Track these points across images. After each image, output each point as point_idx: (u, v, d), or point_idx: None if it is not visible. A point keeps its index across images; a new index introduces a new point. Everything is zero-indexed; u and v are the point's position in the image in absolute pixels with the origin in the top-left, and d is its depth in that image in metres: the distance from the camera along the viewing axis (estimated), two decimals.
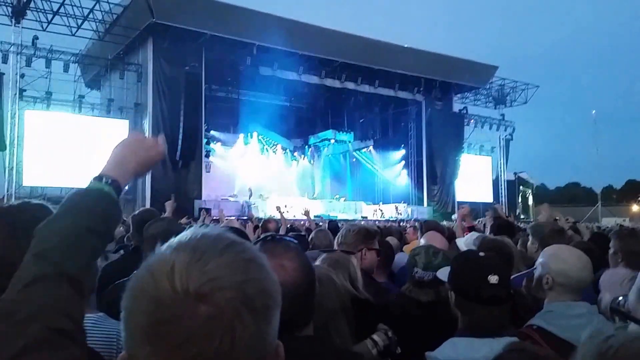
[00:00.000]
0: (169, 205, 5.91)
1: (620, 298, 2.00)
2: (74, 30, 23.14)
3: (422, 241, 3.64)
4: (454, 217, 7.66)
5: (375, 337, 2.28)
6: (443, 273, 2.38)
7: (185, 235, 0.79)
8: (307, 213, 9.26)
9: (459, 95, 33.90)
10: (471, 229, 5.78)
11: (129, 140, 1.36)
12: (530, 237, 4.15)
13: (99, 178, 1.24)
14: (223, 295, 0.71)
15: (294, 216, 24.13)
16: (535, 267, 2.54)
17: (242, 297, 0.72)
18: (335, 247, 3.44)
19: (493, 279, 1.99)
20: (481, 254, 2.21)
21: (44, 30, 22.70)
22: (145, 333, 0.71)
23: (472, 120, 33.95)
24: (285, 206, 24.89)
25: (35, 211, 1.49)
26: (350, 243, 3.35)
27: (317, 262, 2.53)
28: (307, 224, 9.25)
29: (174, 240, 0.78)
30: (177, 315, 0.70)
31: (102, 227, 1.18)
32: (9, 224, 1.50)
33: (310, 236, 5.09)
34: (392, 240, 5.51)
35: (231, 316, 0.71)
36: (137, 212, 4.29)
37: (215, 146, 29.64)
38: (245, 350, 0.72)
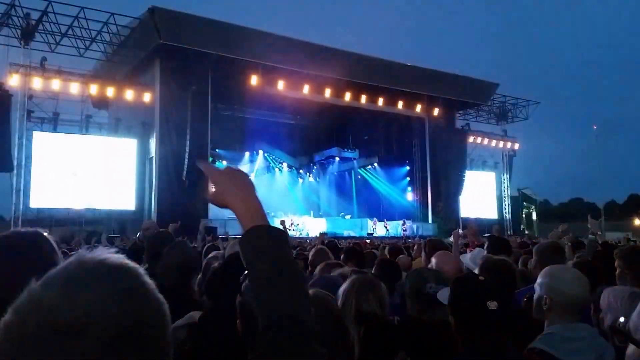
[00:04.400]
0: (171, 229, 5.65)
1: (622, 319, 1.97)
2: (82, 51, 23.43)
3: (433, 261, 3.50)
4: (449, 239, 7.48)
5: None
6: (443, 295, 2.36)
7: (61, 265, 0.74)
8: (322, 235, 9.19)
9: (461, 111, 34.12)
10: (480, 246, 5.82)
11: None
12: (533, 257, 4.12)
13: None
14: (95, 330, 0.66)
15: (300, 234, 24.23)
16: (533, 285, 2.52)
17: (117, 331, 0.67)
18: None
19: (492, 305, 1.96)
20: (481, 278, 2.20)
21: (53, 52, 22.98)
22: None
23: (475, 137, 34.07)
24: (292, 223, 25.06)
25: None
26: None
27: (347, 283, 2.60)
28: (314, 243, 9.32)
29: (49, 274, 0.72)
30: (46, 357, 0.64)
31: None
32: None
33: (310, 254, 5.22)
34: (402, 259, 5.61)
35: (104, 353, 0.66)
36: (152, 235, 4.08)
37: (222, 165, 29.64)
38: None
